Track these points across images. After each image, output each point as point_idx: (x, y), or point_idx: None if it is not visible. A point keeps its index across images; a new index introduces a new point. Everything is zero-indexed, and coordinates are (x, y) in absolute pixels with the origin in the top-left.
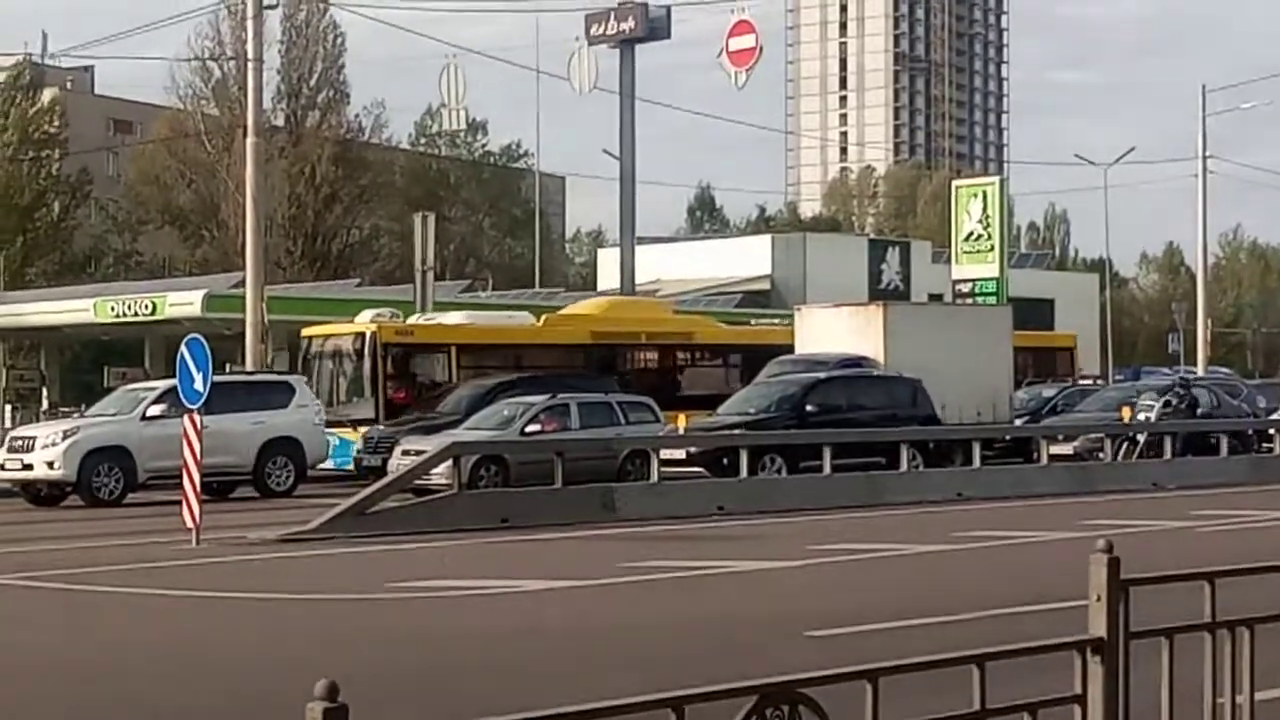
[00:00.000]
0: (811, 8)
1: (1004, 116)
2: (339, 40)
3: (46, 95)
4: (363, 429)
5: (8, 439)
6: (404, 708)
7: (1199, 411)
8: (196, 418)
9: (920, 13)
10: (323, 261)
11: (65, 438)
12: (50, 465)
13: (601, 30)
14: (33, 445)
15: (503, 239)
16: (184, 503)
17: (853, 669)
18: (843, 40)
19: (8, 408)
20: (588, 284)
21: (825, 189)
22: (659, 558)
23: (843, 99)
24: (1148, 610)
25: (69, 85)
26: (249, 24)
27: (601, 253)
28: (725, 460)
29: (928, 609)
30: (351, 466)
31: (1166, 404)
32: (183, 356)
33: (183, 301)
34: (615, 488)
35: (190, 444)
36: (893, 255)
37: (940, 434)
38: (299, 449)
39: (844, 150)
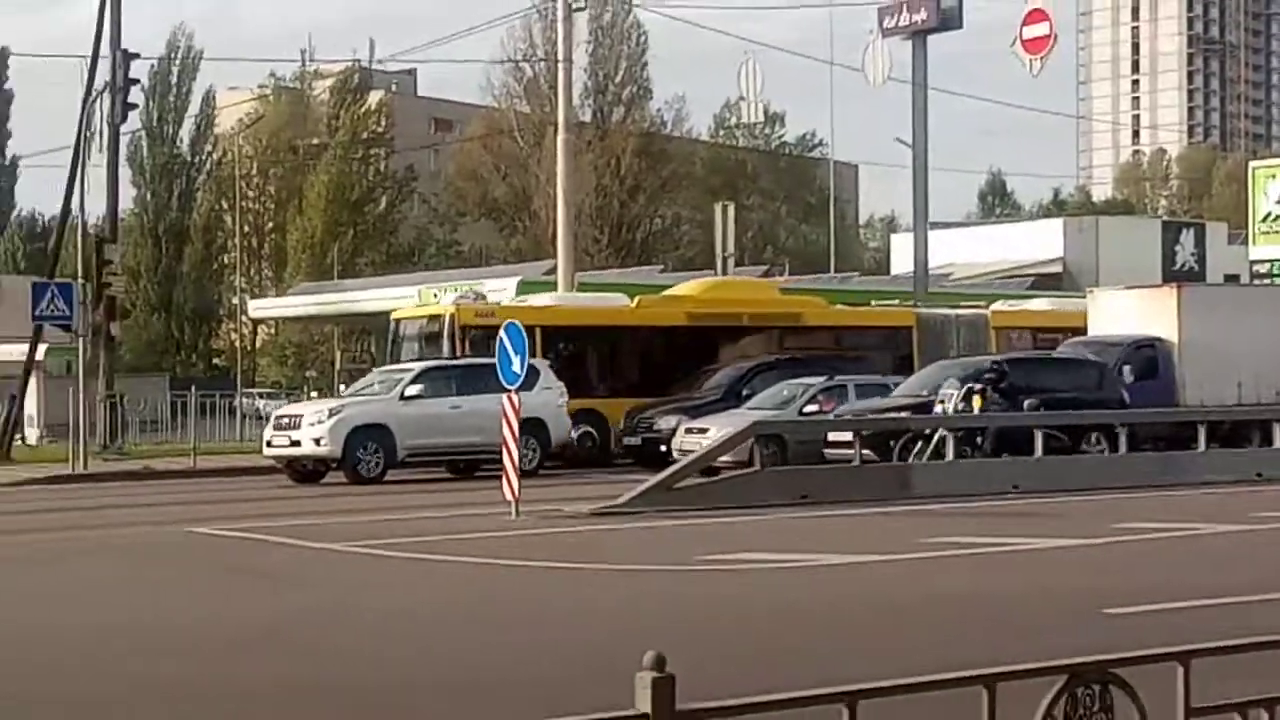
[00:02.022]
0: None
1: None
2: (642, 39)
3: (373, 98)
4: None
5: (274, 417)
6: (722, 676)
7: None
8: (514, 397)
9: None
10: (627, 249)
11: (331, 415)
12: (317, 442)
13: (895, 22)
14: (299, 423)
15: (798, 226)
16: (504, 477)
17: (1165, 650)
18: (1135, 24)
19: (342, 387)
20: (881, 269)
21: (1117, 172)
22: (957, 534)
23: (1135, 83)
24: None
25: (394, 88)
26: (559, 26)
27: (895, 238)
28: (890, 443)
29: (1229, 589)
30: None
31: None
32: (501, 341)
33: (498, 289)
34: (912, 466)
35: (509, 422)
36: (1187, 237)
37: (1237, 414)
38: (544, 429)
39: (1136, 134)
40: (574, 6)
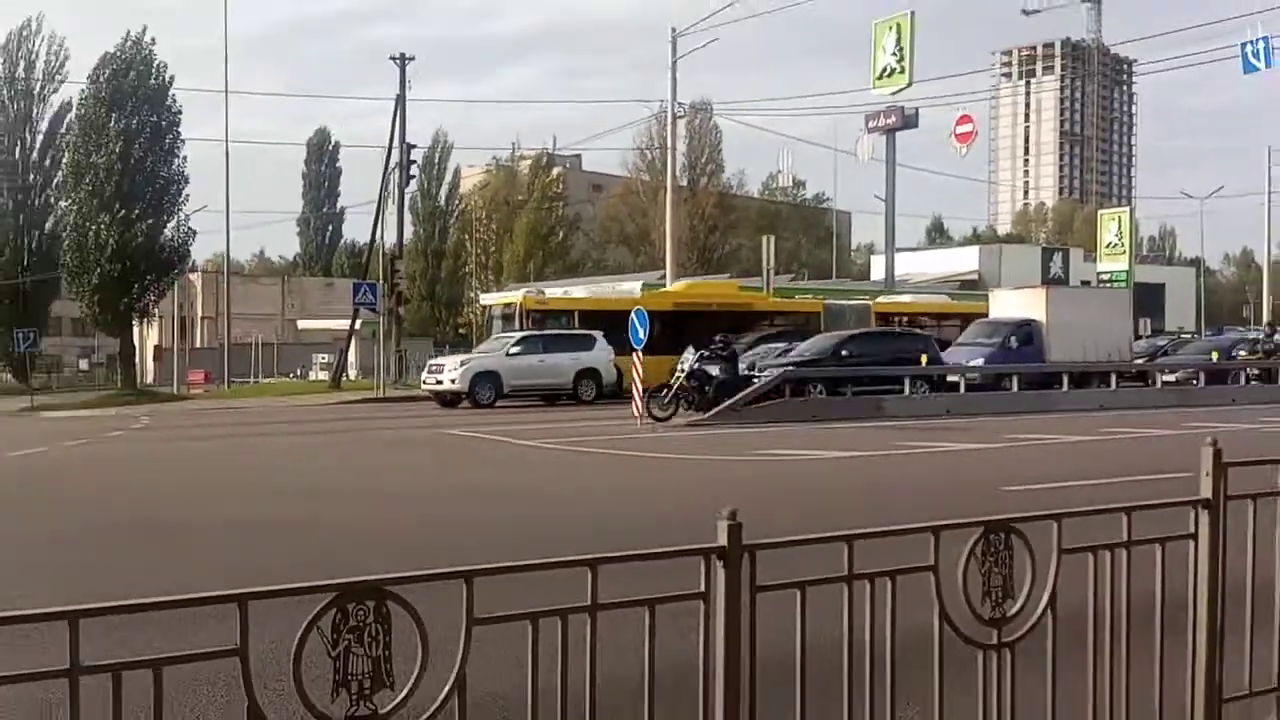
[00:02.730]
0: (1006, 99)
1: (1133, 167)
2: (718, 134)
3: (554, 171)
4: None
5: (428, 365)
6: (772, 523)
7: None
8: (638, 355)
9: (1079, 100)
10: (708, 264)
11: (462, 365)
12: (453, 381)
13: (876, 124)
14: (442, 369)
15: (814, 249)
16: (634, 400)
17: (1046, 512)
18: (1026, 124)
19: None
20: (864, 276)
21: (1014, 217)
22: (911, 440)
23: (1025, 159)
24: (1239, 485)
25: (567, 165)
26: (669, 127)
27: (873, 257)
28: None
29: (1086, 474)
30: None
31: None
32: (632, 320)
33: (629, 289)
34: (885, 398)
35: (636, 368)
36: (1057, 257)
37: (1083, 367)
38: (599, 375)
39: (1026, 192)
40: (678, 115)
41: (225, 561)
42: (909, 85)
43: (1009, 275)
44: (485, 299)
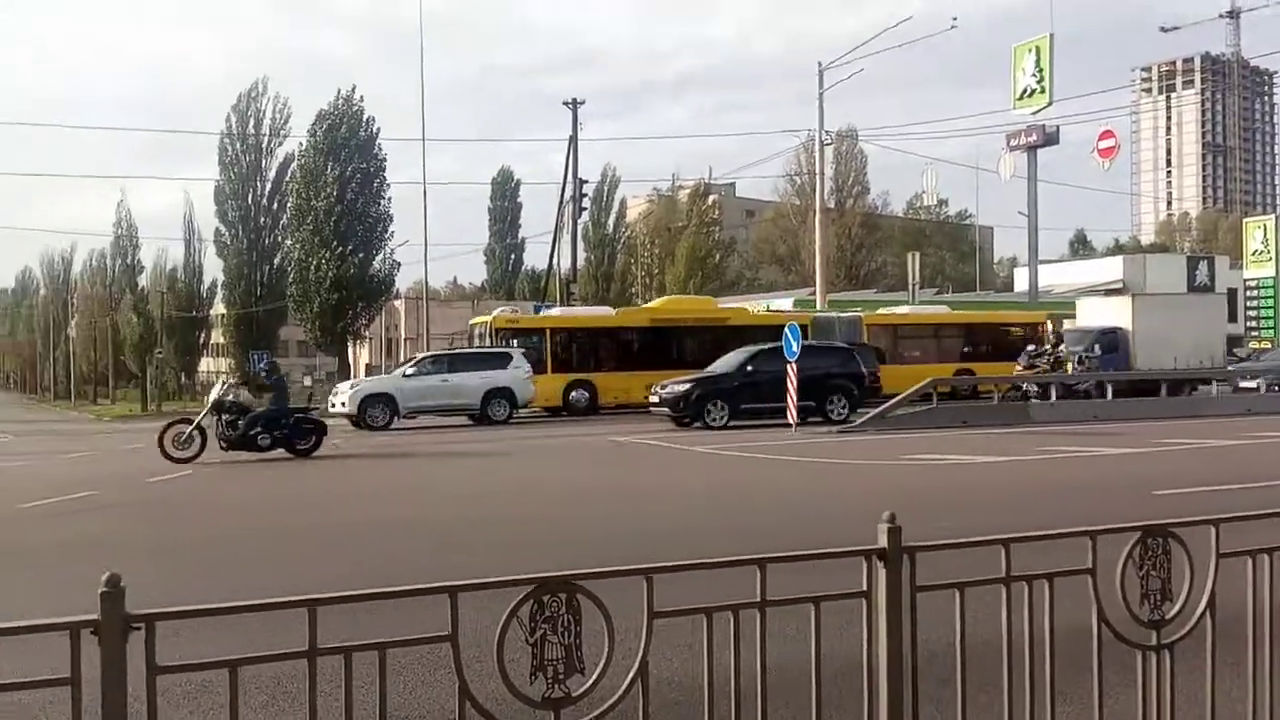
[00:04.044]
0: (1147, 113)
1: (1276, 175)
2: (863, 158)
3: (710, 198)
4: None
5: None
6: (926, 525)
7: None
8: (792, 366)
9: (1219, 112)
10: (855, 280)
11: (352, 387)
12: (344, 405)
13: (1017, 142)
14: (339, 394)
15: (957, 264)
16: (789, 410)
17: (1204, 517)
18: (1168, 136)
19: None
20: (1008, 288)
21: (1157, 228)
22: (1059, 445)
23: (1168, 171)
24: None
25: (722, 193)
26: (817, 154)
27: (1016, 270)
28: (680, 403)
29: (1237, 478)
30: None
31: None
32: (786, 334)
33: (782, 304)
34: (1031, 404)
35: (791, 381)
36: (1202, 266)
37: (1172, 375)
38: (512, 394)
39: (1169, 203)
40: (825, 143)
41: (418, 554)
42: (1049, 104)
43: (1154, 284)
44: (472, 320)
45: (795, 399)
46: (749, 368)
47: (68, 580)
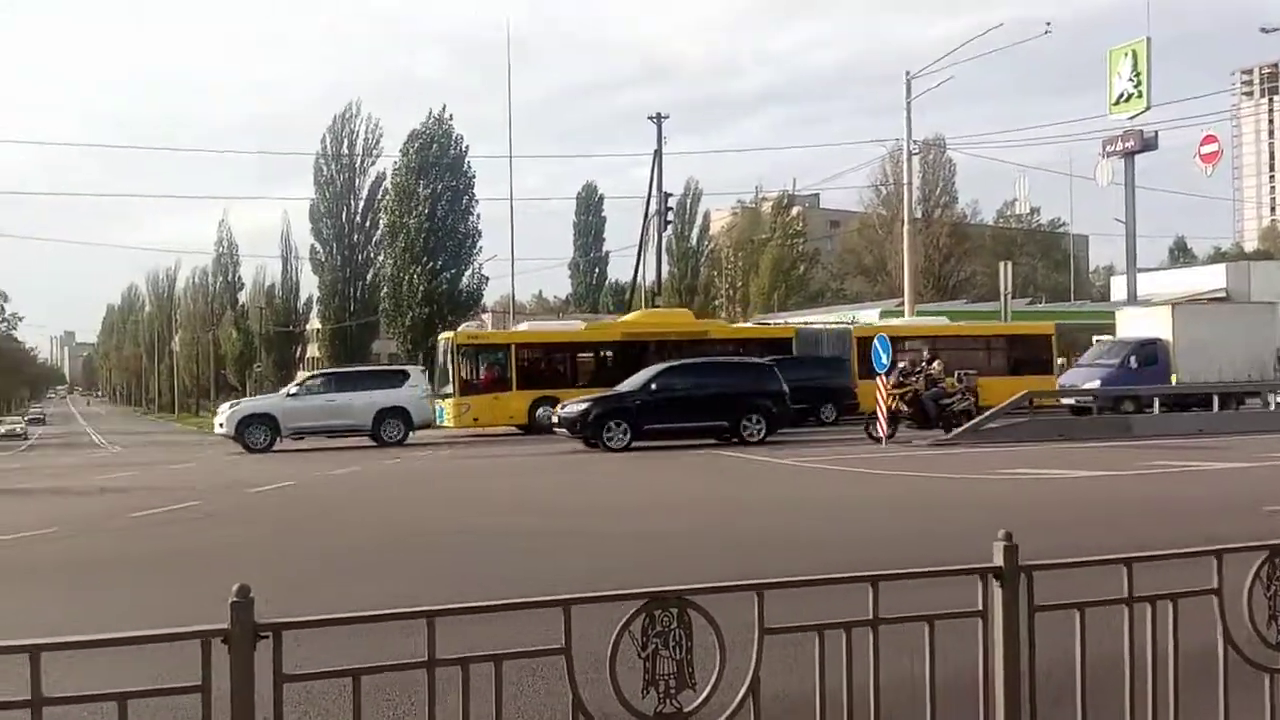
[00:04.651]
0: (1249, 117)
1: None
2: (951, 167)
3: (794, 210)
4: (449, 399)
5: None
6: (1034, 542)
7: None
8: (881, 379)
9: None
10: (943, 291)
11: (230, 407)
12: (222, 425)
13: (1114, 148)
14: (220, 414)
15: (1051, 273)
16: (878, 422)
17: None
18: (1270, 140)
19: None
20: (1104, 298)
21: (1260, 233)
22: (1160, 460)
23: (1271, 175)
24: None
25: (807, 204)
26: (904, 164)
27: (1113, 279)
28: (577, 424)
29: None
30: (448, 423)
31: None
32: (875, 346)
33: (868, 316)
34: (1132, 418)
35: (881, 392)
36: None
37: (1218, 389)
38: (407, 414)
39: (1272, 209)
40: (913, 152)
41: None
42: (1147, 109)
43: (1259, 291)
44: (441, 335)
45: (885, 410)
46: (653, 385)
47: (179, 588)
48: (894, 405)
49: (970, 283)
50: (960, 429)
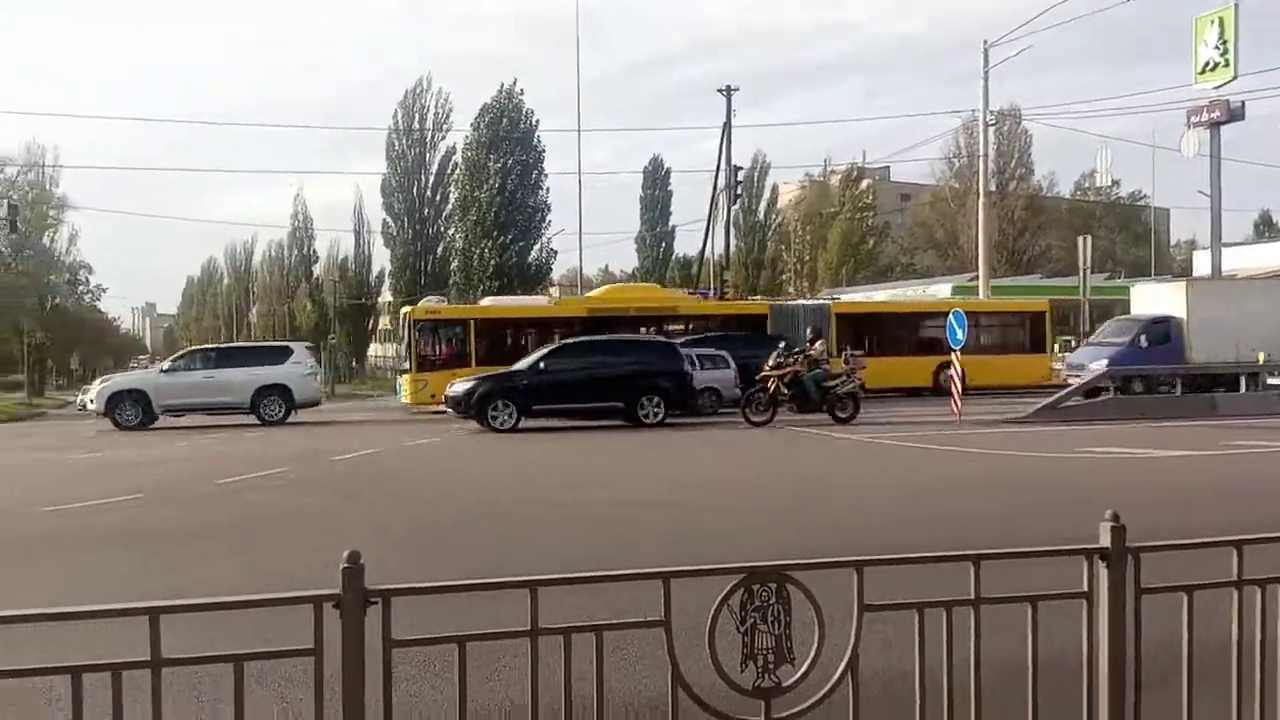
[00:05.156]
0: None
1: None
2: (1027, 138)
3: (864, 183)
4: (407, 374)
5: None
6: (1139, 522)
7: None
8: (956, 357)
9: None
10: (1017, 266)
11: (100, 383)
12: (92, 403)
13: (1200, 119)
14: (90, 390)
15: (1130, 247)
16: (952, 399)
17: None
18: None
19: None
20: (1186, 273)
21: None
22: (1249, 439)
23: None
24: None
25: (876, 177)
26: (980, 136)
27: (1195, 253)
28: (461, 403)
29: None
30: (406, 399)
31: None
32: (950, 321)
33: (939, 291)
34: (1217, 396)
35: (955, 369)
36: None
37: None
38: (289, 391)
39: None
40: (989, 123)
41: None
42: (1234, 79)
43: None
44: (402, 310)
45: (960, 388)
46: (542, 365)
47: (280, 553)
48: (774, 387)
49: (1045, 257)
50: (1036, 408)
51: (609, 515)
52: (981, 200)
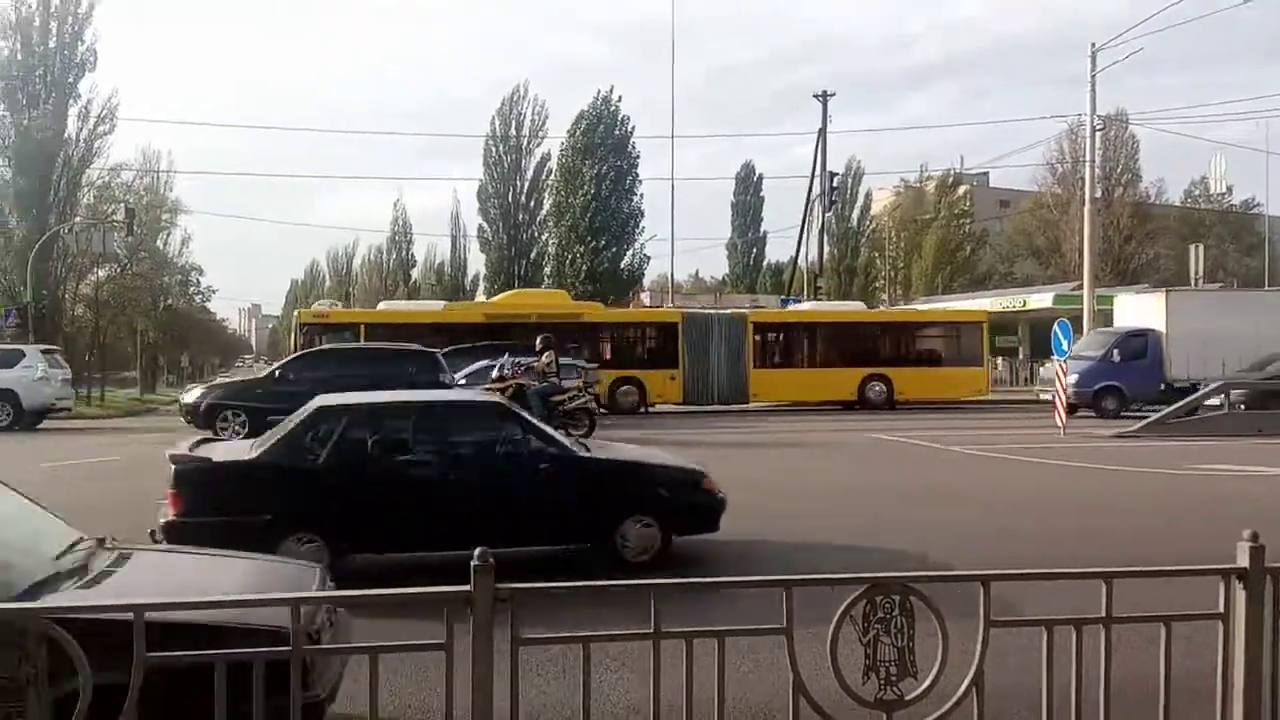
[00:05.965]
0: None
1: None
2: (1135, 143)
3: (961, 189)
4: None
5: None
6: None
7: None
8: (1059, 365)
9: None
10: (1124, 275)
11: None
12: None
13: None
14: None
15: (1243, 257)
16: (1055, 412)
17: None
18: None
19: None
20: None
21: None
22: None
23: None
24: None
25: (974, 183)
26: (1087, 141)
27: None
28: (189, 414)
29: None
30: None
31: None
32: (1055, 332)
33: (1039, 300)
34: None
35: (1060, 380)
36: None
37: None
38: (16, 397)
39: None
40: (1096, 128)
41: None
42: None
43: None
44: (296, 314)
45: (1062, 393)
46: (278, 374)
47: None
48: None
49: (1153, 266)
50: (1145, 423)
51: None
52: (1087, 208)
